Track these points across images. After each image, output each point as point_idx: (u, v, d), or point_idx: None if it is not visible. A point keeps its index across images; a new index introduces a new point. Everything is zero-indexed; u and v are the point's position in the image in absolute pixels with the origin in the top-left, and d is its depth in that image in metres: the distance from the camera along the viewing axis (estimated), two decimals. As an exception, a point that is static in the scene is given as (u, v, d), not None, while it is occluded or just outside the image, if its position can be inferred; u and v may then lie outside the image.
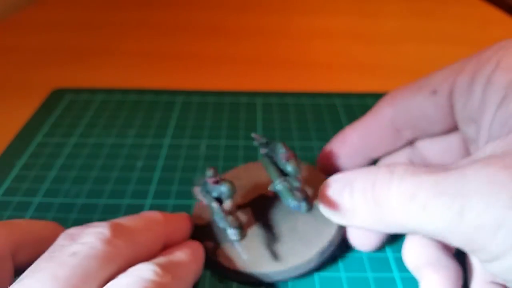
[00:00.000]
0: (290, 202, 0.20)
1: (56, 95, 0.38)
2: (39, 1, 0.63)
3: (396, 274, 0.22)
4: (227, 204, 0.21)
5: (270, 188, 0.21)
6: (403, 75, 0.43)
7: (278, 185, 0.21)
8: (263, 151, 0.23)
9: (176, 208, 0.26)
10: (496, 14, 0.62)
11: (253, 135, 0.22)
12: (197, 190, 0.22)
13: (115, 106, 0.36)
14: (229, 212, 0.21)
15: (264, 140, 0.22)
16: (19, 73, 0.42)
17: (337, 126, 0.34)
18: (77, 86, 0.39)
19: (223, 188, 0.20)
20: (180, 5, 0.63)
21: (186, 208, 0.26)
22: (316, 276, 0.22)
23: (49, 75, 0.41)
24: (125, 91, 0.38)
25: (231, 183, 0.21)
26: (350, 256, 0.23)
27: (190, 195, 0.27)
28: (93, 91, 0.38)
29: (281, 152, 0.21)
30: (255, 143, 0.23)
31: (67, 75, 0.42)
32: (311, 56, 0.48)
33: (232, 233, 0.20)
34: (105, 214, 0.25)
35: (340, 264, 0.23)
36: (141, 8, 0.61)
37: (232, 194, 0.21)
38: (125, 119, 0.34)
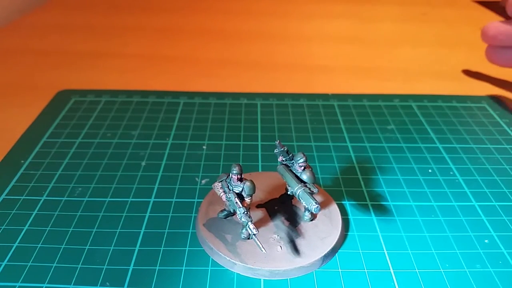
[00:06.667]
0: (313, 204, 0.21)
1: (62, 96, 0.39)
2: (44, 5, 0.64)
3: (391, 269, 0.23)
4: (247, 201, 0.23)
5: (289, 191, 0.24)
6: (398, 77, 0.44)
7: (299, 190, 0.22)
8: (280, 158, 0.24)
9: (178, 206, 0.27)
10: (490, 16, 0.63)
11: (276, 142, 0.24)
12: (217, 186, 0.23)
13: (120, 107, 0.37)
14: (249, 209, 0.23)
15: (285, 149, 0.24)
16: (25, 75, 0.43)
17: (335, 126, 0.35)
18: (82, 87, 0.40)
19: (246, 186, 0.22)
20: (183, 10, 0.64)
21: (188, 206, 0.27)
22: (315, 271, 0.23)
23: (55, 77, 0.42)
24: (129, 92, 0.39)
25: (252, 182, 0.22)
26: (347, 252, 0.24)
27: (192, 194, 0.28)
28: (98, 93, 0.39)
29: (301, 161, 0.23)
30: (276, 150, 0.24)
31: (72, 76, 0.43)
32: (309, 58, 0.49)
33: (253, 228, 0.21)
34: (110, 212, 0.26)
35: (338, 260, 0.24)
36: (145, 12, 0.62)
37: (253, 192, 0.22)
38: (129, 119, 0.35)
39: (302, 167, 0.23)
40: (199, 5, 0.66)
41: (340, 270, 0.23)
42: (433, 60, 0.48)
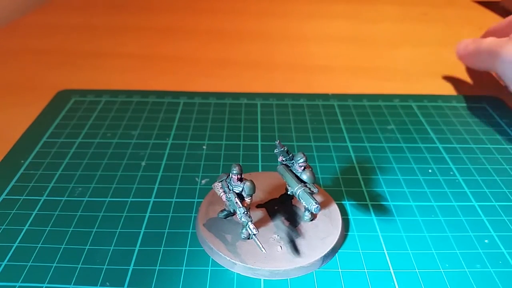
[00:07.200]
0: (313, 204, 0.21)
1: (62, 96, 0.39)
2: (44, 5, 0.64)
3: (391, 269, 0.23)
4: (247, 201, 0.23)
5: (289, 191, 0.24)
6: (398, 77, 0.44)
7: (299, 190, 0.22)
8: (280, 158, 0.24)
9: (178, 206, 0.27)
10: (490, 16, 0.63)
11: (276, 142, 0.24)
12: (217, 186, 0.23)
13: (120, 107, 0.37)
14: (249, 209, 0.23)
15: (285, 149, 0.24)
16: (25, 75, 0.43)
17: (335, 126, 0.35)
18: (82, 87, 0.40)
19: (246, 186, 0.22)
20: (183, 10, 0.64)
21: (188, 206, 0.27)
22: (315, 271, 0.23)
23: (55, 77, 0.42)
24: (129, 92, 0.39)
25: (252, 182, 0.22)
26: (347, 252, 0.24)
27: (192, 194, 0.28)
28: (98, 93, 0.39)
29: (301, 161, 0.23)
30: (276, 150, 0.24)
31: (72, 76, 0.43)
32: (309, 58, 0.49)
33: (253, 228, 0.21)
34: (110, 212, 0.26)
35: (338, 260, 0.24)
36: (145, 12, 0.62)
37: (253, 192, 0.22)
38: (129, 119, 0.35)
39: (302, 167, 0.23)
40: (199, 5, 0.66)
41: (340, 270, 0.23)
42: (433, 60, 0.48)
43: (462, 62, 0.43)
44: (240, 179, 0.22)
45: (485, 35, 0.43)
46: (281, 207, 0.26)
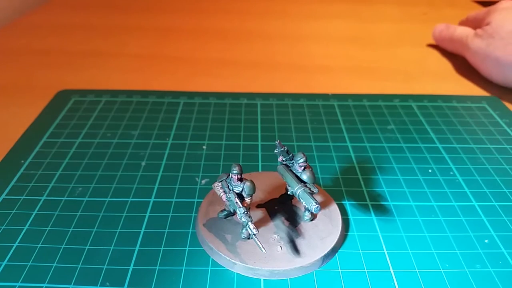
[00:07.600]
0: (313, 204, 0.21)
1: (62, 96, 0.39)
2: (44, 5, 0.64)
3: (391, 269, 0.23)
4: (247, 201, 0.23)
5: (289, 191, 0.24)
6: (398, 77, 0.44)
7: (299, 190, 0.22)
8: (280, 158, 0.24)
9: (178, 206, 0.27)
10: (491, 17, 0.63)
11: (276, 142, 0.24)
12: (217, 186, 0.23)
13: (120, 107, 0.37)
14: (249, 209, 0.23)
15: (285, 149, 0.24)
16: (25, 74, 0.43)
17: (335, 126, 0.35)
18: (82, 87, 0.40)
19: (246, 186, 0.22)
20: (183, 10, 0.64)
21: (188, 206, 0.27)
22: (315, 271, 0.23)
23: (55, 77, 0.42)
24: (129, 92, 0.39)
25: (252, 182, 0.22)
26: (347, 252, 0.24)
27: (192, 194, 0.28)
28: (98, 93, 0.39)
29: (301, 161, 0.23)
30: (276, 150, 0.24)
31: (72, 76, 0.43)
32: (308, 58, 0.49)
33: (253, 228, 0.21)
34: (110, 212, 0.26)
35: (338, 260, 0.24)
36: (145, 12, 0.62)
37: (253, 192, 0.22)
38: (129, 119, 0.35)
39: (302, 167, 0.23)
40: (199, 5, 0.66)
41: (340, 270, 0.23)
42: (433, 60, 0.48)
43: (438, 44, 0.51)
44: (240, 179, 0.23)
45: (466, 21, 0.49)
46: (281, 207, 0.26)
